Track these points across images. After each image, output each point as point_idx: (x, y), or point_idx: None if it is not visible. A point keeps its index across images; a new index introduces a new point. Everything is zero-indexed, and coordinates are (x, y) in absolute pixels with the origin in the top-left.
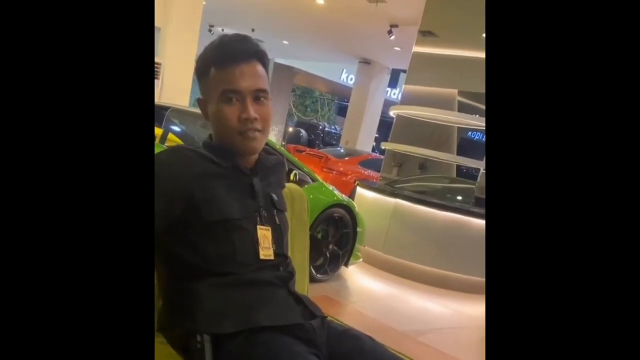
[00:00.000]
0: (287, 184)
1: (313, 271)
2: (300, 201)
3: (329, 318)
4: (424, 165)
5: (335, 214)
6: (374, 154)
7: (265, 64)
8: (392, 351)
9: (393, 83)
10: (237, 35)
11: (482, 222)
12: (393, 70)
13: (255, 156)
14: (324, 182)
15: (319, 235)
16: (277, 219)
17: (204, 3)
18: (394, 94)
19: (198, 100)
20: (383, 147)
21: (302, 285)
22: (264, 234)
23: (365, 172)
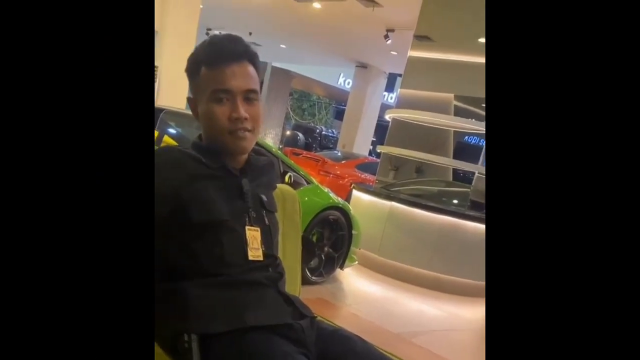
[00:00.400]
0: (279, 185)
1: (308, 273)
2: (292, 202)
3: (318, 319)
4: (420, 169)
5: (330, 217)
6: (371, 157)
7: (255, 65)
8: (383, 352)
9: (390, 87)
10: (228, 36)
11: (477, 225)
12: (390, 74)
13: (245, 156)
14: (320, 185)
15: (314, 238)
16: (266, 219)
17: (201, 6)
18: (391, 98)
19: (188, 99)
20: (379, 151)
21: (293, 286)
22: (253, 234)
23: (362, 176)
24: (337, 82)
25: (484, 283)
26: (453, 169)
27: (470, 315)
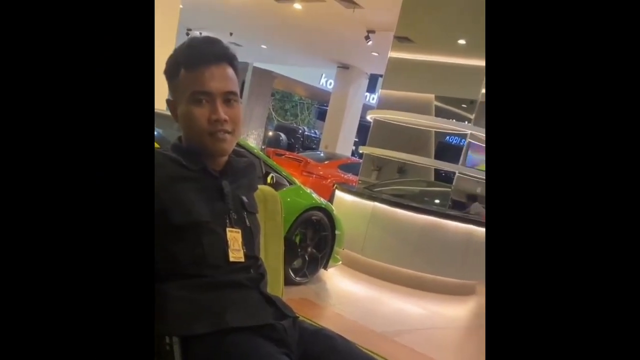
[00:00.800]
0: (260, 186)
1: (292, 274)
2: (273, 203)
3: (301, 319)
4: (402, 169)
5: (313, 217)
6: (353, 158)
7: (235, 67)
8: (365, 351)
9: (371, 88)
10: (206, 38)
11: (458, 225)
12: (372, 75)
13: (225, 158)
14: (302, 185)
15: (297, 238)
16: (247, 221)
17: (181, 6)
18: (373, 98)
19: (167, 101)
20: (361, 151)
21: (276, 287)
22: (234, 236)
23: (345, 176)
24: (319, 83)
25: (465, 281)
26: (435, 169)
27: (453, 313)
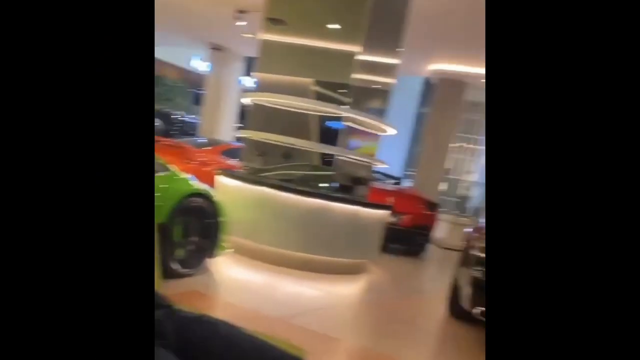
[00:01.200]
0: None
1: (178, 266)
2: None
3: (179, 307)
4: (288, 154)
5: (193, 204)
6: (237, 143)
7: None
8: (249, 333)
9: (250, 71)
10: None
11: (344, 206)
12: (250, 58)
13: None
14: (177, 171)
15: (180, 228)
16: None
17: None
18: (255, 82)
19: None
20: (240, 135)
21: None
22: None
23: (229, 162)
24: (191, 65)
25: (354, 261)
26: (322, 153)
27: (346, 291)
